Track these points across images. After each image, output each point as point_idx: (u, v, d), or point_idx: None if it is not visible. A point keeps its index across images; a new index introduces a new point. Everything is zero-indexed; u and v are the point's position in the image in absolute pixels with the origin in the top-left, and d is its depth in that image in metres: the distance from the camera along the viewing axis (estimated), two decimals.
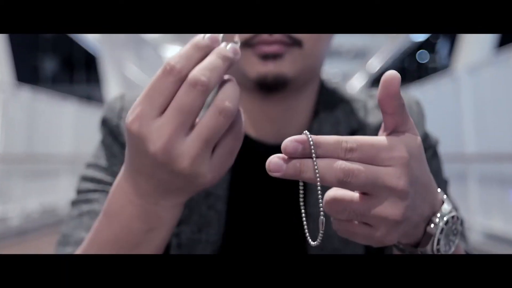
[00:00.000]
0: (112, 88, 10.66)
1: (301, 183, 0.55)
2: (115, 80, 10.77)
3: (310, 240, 0.51)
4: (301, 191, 0.55)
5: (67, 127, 8.66)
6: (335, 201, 0.49)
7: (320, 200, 0.49)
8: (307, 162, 0.47)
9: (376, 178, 0.48)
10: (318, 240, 0.50)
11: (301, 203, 0.54)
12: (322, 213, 0.49)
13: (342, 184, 0.48)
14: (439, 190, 0.55)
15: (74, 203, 0.76)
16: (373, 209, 0.48)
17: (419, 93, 6.66)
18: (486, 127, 5.24)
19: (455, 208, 0.78)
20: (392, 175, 0.48)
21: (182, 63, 0.52)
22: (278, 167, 0.47)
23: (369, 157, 0.48)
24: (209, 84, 0.51)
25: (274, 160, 0.47)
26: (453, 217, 0.54)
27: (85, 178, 0.78)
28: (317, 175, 0.47)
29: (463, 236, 0.78)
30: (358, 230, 0.50)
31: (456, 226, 0.55)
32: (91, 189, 0.76)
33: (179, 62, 0.52)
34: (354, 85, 15.74)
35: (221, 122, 0.52)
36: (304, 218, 0.54)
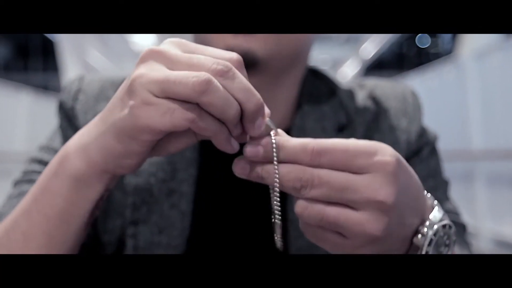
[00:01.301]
0: (71, 76, 10.58)
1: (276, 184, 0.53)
2: (76, 68, 10.71)
3: (278, 241, 0.52)
4: (276, 198, 0.53)
5: (20, 120, 8.57)
6: (308, 205, 0.49)
7: (278, 204, 0.51)
8: (269, 167, 0.50)
9: (345, 188, 0.47)
10: (279, 244, 0.52)
11: (276, 208, 0.53)
12: (278, 216, 0.51)
13: (299, 193, 0.48)
14: (428, 194, 0.55)
15: (17, 183, 0.78)
16: (349, 220, 0.48)
17: (419, 82, 6.67)
18: (495, 120, 5.24)
19: (456, 213, 0.80)
20: (370, 185, 0.47)
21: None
22: (243, 171, 0.51)
23: (342, 163, 0.48)
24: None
25: (239, 164, 0.51)
26: (444, 225, 0.53)
27: (33, 160, 0.80)
28: (276, 182, 0.49)
29: (466, 244, 0.79)
30: (328, 237, 0.50)
31: (448, 235, 0.54)
32: (36, 170, 0.77)
33: None
34: (346, 73, 15.79)
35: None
36: (276, 221, 0.54)
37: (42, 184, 0.58)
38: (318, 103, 0.84)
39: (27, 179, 0.78)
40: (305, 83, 0.85)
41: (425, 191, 0.54)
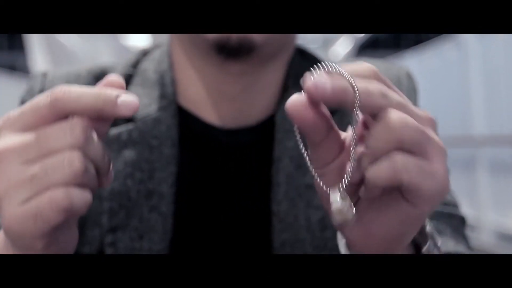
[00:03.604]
0: (40, 56, 10.50)
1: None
2: (44, 46, 10.63)
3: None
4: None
5: None
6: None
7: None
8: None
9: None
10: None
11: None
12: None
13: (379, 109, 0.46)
14: None
15: None
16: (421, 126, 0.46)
17: (417, 62, 6.68)
18: (498, 104, 5.27)
19: (454, 204, 0.81)
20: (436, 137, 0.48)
21: None
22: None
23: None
24: None
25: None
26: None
27: None
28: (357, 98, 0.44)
29: (464, 239, 0.79)
30: (409, 160, 0.46)
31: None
32: None
33: None
34: (337, 52, 15.79)
35: None
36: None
37: None
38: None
39: None
40: (292, 64, 0.85)
41: None
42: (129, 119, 0.78)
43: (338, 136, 0.49)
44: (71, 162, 0.47)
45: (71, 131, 0.48)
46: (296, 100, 0.46)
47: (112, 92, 0.49)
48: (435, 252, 0.54)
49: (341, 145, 0.49)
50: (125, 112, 0.49)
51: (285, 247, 0.76)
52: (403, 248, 0.53)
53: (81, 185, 0.47)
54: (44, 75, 0.84)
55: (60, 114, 0.48)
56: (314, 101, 0.45)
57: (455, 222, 0.79)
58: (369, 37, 14.51)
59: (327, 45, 16.67)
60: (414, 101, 0.84)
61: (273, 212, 0.77)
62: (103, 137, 0.51)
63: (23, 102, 0.82)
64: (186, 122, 0.81)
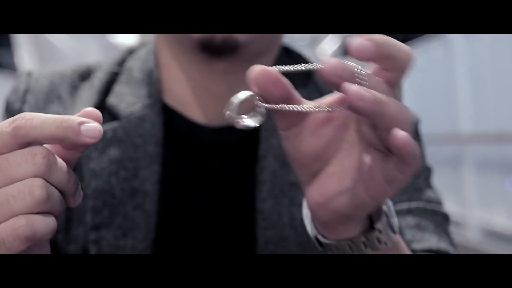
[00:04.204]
0: (26, 53, 10.43)
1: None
2: (31, 44, 10.56)
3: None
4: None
5: None
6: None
7: None
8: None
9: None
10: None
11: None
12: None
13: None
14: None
15: None
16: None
17: None
18: (485, 101, 5.28)
19: (438, 202, 0.82)
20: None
21: None
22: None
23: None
24: None
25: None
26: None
27: None
28: None
29: (448, 236, 0.80)
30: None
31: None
32: None
33: None
34: (325, 50, 15.78)
35: None
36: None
37: None
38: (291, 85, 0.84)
39: None
40: (278, 63, 0.85)
41: None
42: (114, 117, 0.79)
43: (300, 104, 0.50)
44: (32, 190, 0.47)
45: (32, 158, 0.47)
46: (259, 70, 0.49)
47: (75, 119, 0.49)
48: (389, 231, 0.55)
49: (304, 114, 0.51)
50: (88, 140, 0.48)
51: (269, 244, 0.76)
52: (359, 218, 0.53)
53: (44, 212, 0.47)
54: (29, 74, 0.84)
55: (23, 142, 0.48)
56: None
57: (438, 219, 0.80)
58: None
59: (314, 43, 16.64)
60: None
61: (257, 209, 0.77)
62: (74, 162, 0.52)
63: (7, 104, 0.83)
64: (171, 120, 0.81)
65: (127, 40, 9.02)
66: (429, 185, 0.84)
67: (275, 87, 0.48)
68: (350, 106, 0.44)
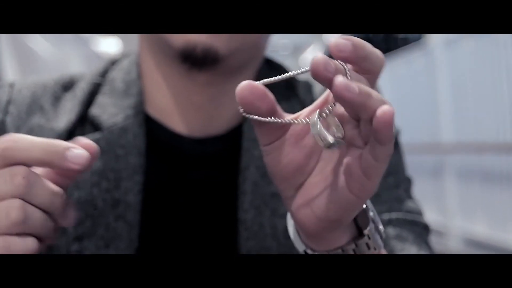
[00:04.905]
0: (9, 62, 10.35)
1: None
2: (13, 52, 10.49)
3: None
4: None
5: None
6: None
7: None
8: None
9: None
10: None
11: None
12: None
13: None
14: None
15: None
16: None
17: (386, 70, 6.69)
18: (466, 111, 5.31)
19: (418, 212, 0.83)
20: None
21: None
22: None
23: None
24: None
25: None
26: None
27: None
28: None
29: (427, 247, 0.80)
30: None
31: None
32: None
33: None
34: (308, 60, 15.80)
35: None
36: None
37: None
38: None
39: None
40: (260, 75, 0.85)
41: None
42: (96, 128, 0.79)
43: (282, 118, 0.50)
44: (8, 212, 0.47)
45: (11, 179, 0.47)
46: (245, 85, 0.48)
47: (61, 145, 0.49)
48: (377, 236, 0.56)
49: (285, 128, 0.51)
50: (73, 166, 0.49)
51: (251, 253, 0.76)
52: (347, 223, 0.54)
53: (21, 233, 0.47)
54: (11, 85, 0.84)
55: (9, 163, 0.48)
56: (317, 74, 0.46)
57: (418, 229, 0.80)
58: None
59: (297, 52, 16.68)
60: None
61: (239, 220, 0.77)
62: (67, 185, 0.52)
63: None
64: (153, 131, 0.81)
65: (110, 48, 8.99)
66: (409, 196, 0.84)
67: (262, 102, 0.48)
68: (338, 98, 0.45)
